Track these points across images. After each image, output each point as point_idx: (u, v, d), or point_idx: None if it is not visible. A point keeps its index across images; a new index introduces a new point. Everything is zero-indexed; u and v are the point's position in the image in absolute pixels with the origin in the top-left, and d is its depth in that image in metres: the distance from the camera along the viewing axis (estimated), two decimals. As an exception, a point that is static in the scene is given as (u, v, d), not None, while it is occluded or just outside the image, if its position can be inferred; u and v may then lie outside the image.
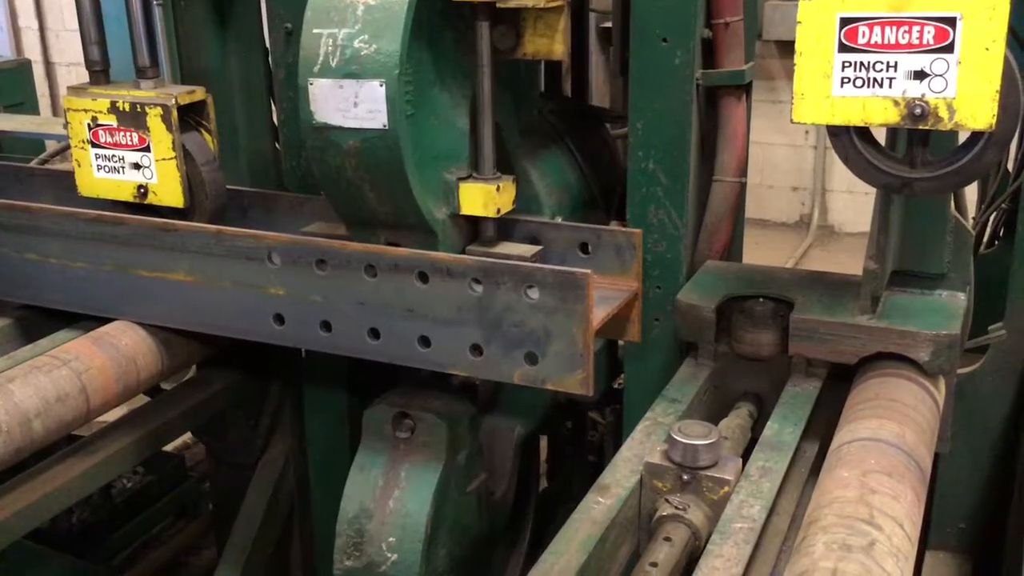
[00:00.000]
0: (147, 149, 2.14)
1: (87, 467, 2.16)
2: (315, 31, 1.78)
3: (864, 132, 1.62)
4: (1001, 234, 2.77)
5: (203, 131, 2.18)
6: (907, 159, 1.62)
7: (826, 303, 1.95)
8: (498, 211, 1.94)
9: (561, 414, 2.73)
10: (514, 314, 1.74)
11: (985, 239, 2.90)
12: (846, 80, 1.56)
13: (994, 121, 1.49)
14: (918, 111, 1.52)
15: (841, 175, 7.84)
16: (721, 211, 2.24)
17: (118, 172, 2.18)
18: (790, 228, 8.01)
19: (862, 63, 1.54)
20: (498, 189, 1.93)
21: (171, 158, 2.12)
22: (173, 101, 2.09)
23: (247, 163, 2.53)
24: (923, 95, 1.52)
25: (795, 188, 8.06)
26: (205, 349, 2.30)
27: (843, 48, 1.55)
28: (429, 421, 2.06)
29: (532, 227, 2.04)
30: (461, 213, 1.94)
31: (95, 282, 2.11)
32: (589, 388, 1.71)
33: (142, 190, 2.17)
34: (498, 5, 1.82)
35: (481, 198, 1.92)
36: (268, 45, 2.39)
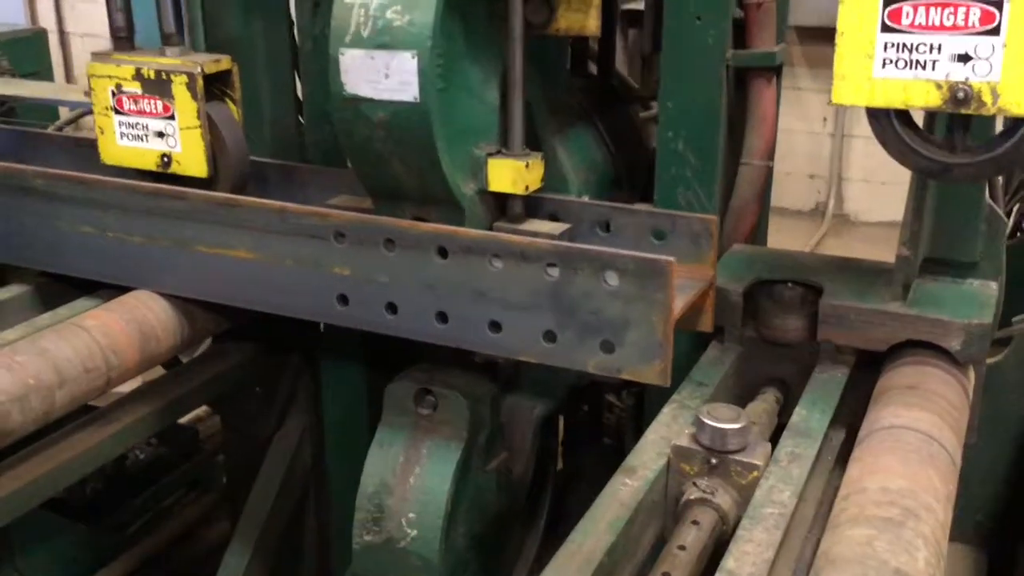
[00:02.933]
0: (171, 117, 2.11)
1: (103, 437, 2.14)
2: (347, 1, 1.76)
3: (904, 115, 1.59)
4: (1024, 225, 2.75)
5: (228, 101, 2.16)
6: (947, 144, 1.59)
7: (855, 289, 1.93)
8: (527, 188, 1.92)
9: (580, 395, 2.71)
10: (591, 301, 1.71)
11: (1008, 229, 2.87)
12: (888, 61, 1.53)
13: (1039, 107, 1.46)
14: (961, 95, 1.49)
15: (858, 164, 7.80)
16: (748, 195, 2.22)
17: (142, 140, 2.16)
18: (805, 216, 7.96)
19: (905, 44, 1.51)
20: (527, 166, 1.90)
21: (195, 127, 2.10)
22: (199, 69, 2.07)
23: (270, 135, 2.51)
24: (967, 79, 1.49)
25: (811, 176, 8.01)
26: (224, 321, 2.28)
27: (886, 29, 1.52)
28: (452, 398, 2.05)
29: (571, 206, 2.01)
30: (489, 189, 1.92)
31: (148, 256, 2.08)
32: (667, 379, 1.68)
33: (165, 159, 2.15)
34: (531, -24, 1.79)
35: (510, 175, 1.90)
36: (294, 16, 2.36)
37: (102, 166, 2.24)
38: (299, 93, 2.44)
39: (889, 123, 1.60)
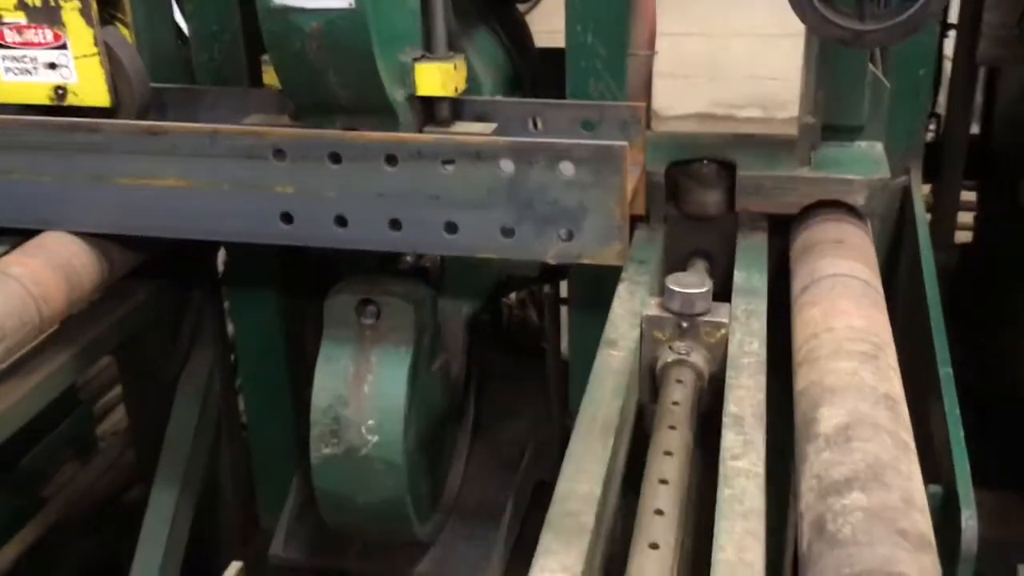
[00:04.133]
0: (63, 47, 2.00)
1: (21, 395, 2.05)
2: (267, -93, 1.71)
3: (824, -12, 1.72)
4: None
5: (120, 24, 2.06)
6: (857, 13, 1.74)
7: (763, 160, 2.09)
8: (456, 90, 1.95)
9: (502, 292, 2.80)
10: (548, 192, 1.77)
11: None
12: (805, -63, 1.65)
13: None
14: (874, -37, 1.63)
15: (664, 59, 8.10)
16: (637, 84, 2.32)
17: (29, 74, 2.03)
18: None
19: (823, -79, 1.64)
20: (455, 68, 1.93)
21: (93, 55, 1.99)
22: (91, -7, 1.96)
23: (149, 59, 2.39)
24: (878, -53, 1.63)
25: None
26: (138, 256, 2.21)
27: (805, -93, 1.63)
28: (396, 305, 2.08)
29: (498, 105, 2.06)
30: (418, 94, 1.94)
31: (63, 195, 1.98)
32: (625, 259, 1.77)
33: (60, 91, 2.04)
34: None
35: (439, 77, 1.92)
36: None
37: (-16, 106, 2.09)
38: (181, 11, 2.34)
39: (806, -3, 1.72)
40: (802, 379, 1.53)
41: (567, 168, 1.78)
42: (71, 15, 1.96)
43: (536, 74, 2.52)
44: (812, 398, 1.46)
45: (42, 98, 2.05)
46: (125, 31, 2.07)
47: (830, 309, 1.67)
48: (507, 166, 1.81)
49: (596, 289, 2.28)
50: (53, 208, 2.02)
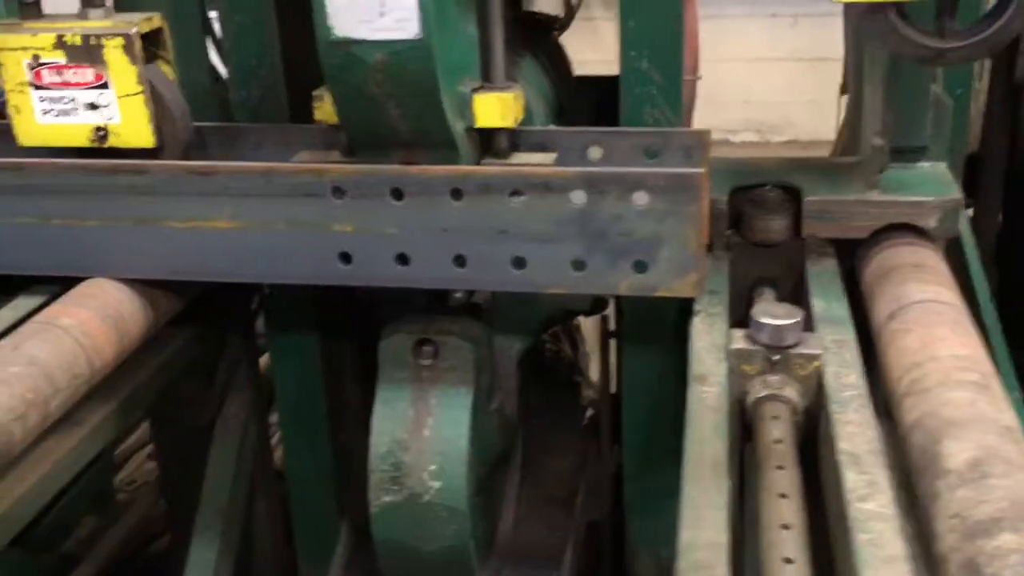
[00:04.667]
0: (105, 86, 1.92)
1: (70, 447, 1.96)
2: (327, -63, 1.65)
3: (901, 8, 1.67)
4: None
5: (161, 61, 1.99)
6: (937, 32, 1.69)
7: (829, 184, 2.03)
8: (515, 120, 1.89)
9: (549, 327, 2.72)
10: (621, 223, 1.71)
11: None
12: (890, -45, 1.60)
13: (1033, -17, 1.58)
14: (961, -19, 1.59)
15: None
16: (685, 108, 2.27)
17: (69, 115, 1.96)
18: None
19: (906, -63, 1.59)
20: (514, 98, 1.87)
21: (137, 93, 1.92)
22: (135, 30, 1.89)
23: (185, 97, 2.33)
24: (964, -35, 1.58)
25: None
26: (180, 301, 2.13)
27: (886, -77, 1.59)
28: (454, 344, 2.01)
29: (556, 135, 1.99)
30: (477, 126, 1.88)
31: (105, 240, 1.90)
32: (703, 290, 1.71)
33: (101, 132, 1.96)
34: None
35: (499, 108, 1.86)
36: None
37: (18, 150, 2.02)
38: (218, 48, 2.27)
39: (886, 19, 1.68)
40: (911, 411, 1.46)
41: (641, 197, 1.72)
42: (114, 53, 1.89)
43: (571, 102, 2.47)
44: (929, 431, 1.39)
45: (82, 140, 1.97)
46: (167, 69, 1.99)
47: (927, 337, 1.60)
48: (578, 197, 1.74)
49: (652, 322, 2.23)
50: (98, 254, 1.95)
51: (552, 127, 2.04)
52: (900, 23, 1.67)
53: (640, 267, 1.76)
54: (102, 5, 1.95)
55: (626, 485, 2.46)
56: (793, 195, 2.02)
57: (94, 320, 1.85)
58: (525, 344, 2.31)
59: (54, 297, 1.94)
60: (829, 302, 1.82)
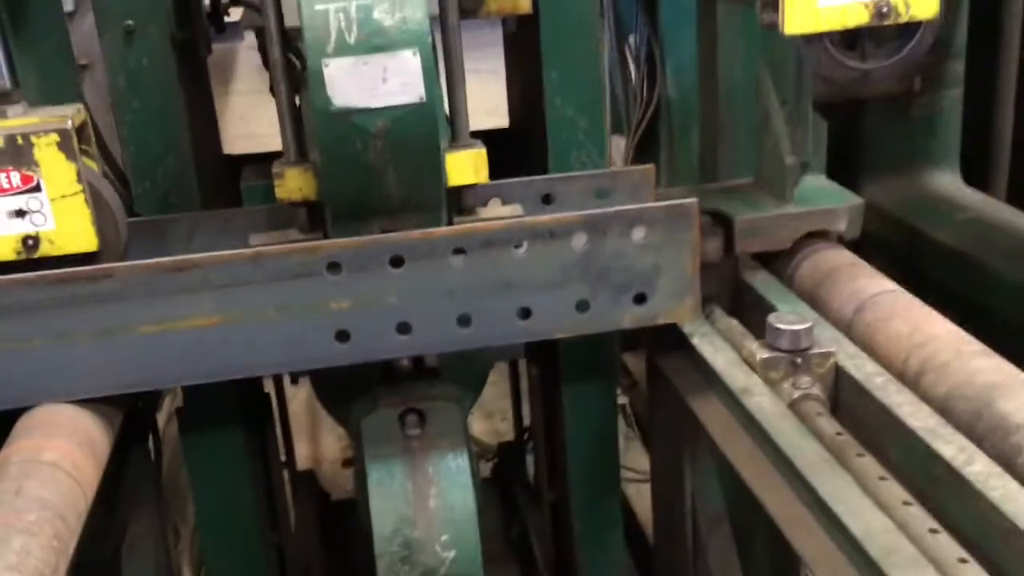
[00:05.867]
0: (36, 189, 1.72)
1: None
2: (318, 7, 1.60)
3: (832, 37, 1.88)
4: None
5: (87, 157, 1.81)
6: (861, 56, 1.92)
7: (747, 204, 2.22)
8: (485, 176, 1.90)
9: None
10: (622, 259, 1.75)
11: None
12: (827, -9, 1.80)
13: (938, 9, 1.84)
14: (884, 10, 1.82)
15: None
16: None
17: (-11, 227, 1.72)
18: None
19: (839, -25, 1.80)
20: (482, 154, 1.89)
21: (75, 193, 1.73)
22: (70, 124, 1.70)
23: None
24: (886, -4, 1.82)
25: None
26: (122, 412, 1.92)
27: (824, -37, 1.79)
28: (442, 409, 1.96)
29: (513, 186, 2.02)
30: (450, 184, 1.87)
31: (58, 361, 1.68)
32: (699, 313, 1.79)
33: (30, 242, 1.74)
34: (463, -37, 1.78)
35: (471, 165, 1.87)
36: (101, 49, 2.01)
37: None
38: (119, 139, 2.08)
39: (823, 46, 1.88)
40: (938, 384, 1.65)
41: (640, 232, 1.80)
42: (47, 151, 1.70)
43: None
44: (971, 398, 1.58)
45: (7, 253, 1.74)
46: (93, 164, 1.81)
47: (912, 320, 1.80)
48: (579, 240, 1.79)
49: (593, 361, 2.31)
50: (48, 378, 1.72)
51: (508, 180, 2.06)
52: (836, 50, 1.88)
53: (640, 299, 1.84)
54: (19, 101, 1.74)
55: (575, 523, 2.50)
56: (720, 219, 2.18)
57: (75, 450, 1.64)
58: (473, 400, 2.29)
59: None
60: (794, 306, 1.99)
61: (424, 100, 1.65)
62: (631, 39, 4.02)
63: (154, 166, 2.05)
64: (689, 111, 3.51)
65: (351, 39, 1.61)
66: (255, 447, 2.35)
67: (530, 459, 3.05)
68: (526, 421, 3.07)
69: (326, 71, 1.61)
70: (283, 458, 2.60)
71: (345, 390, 2.08)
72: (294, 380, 2.62)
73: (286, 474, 2.74)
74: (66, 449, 1.62)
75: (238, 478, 2.31)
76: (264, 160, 2.38)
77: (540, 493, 2.62)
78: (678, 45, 3.77)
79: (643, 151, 3.96)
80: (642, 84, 4.07)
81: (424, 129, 1.67)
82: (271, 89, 2.33)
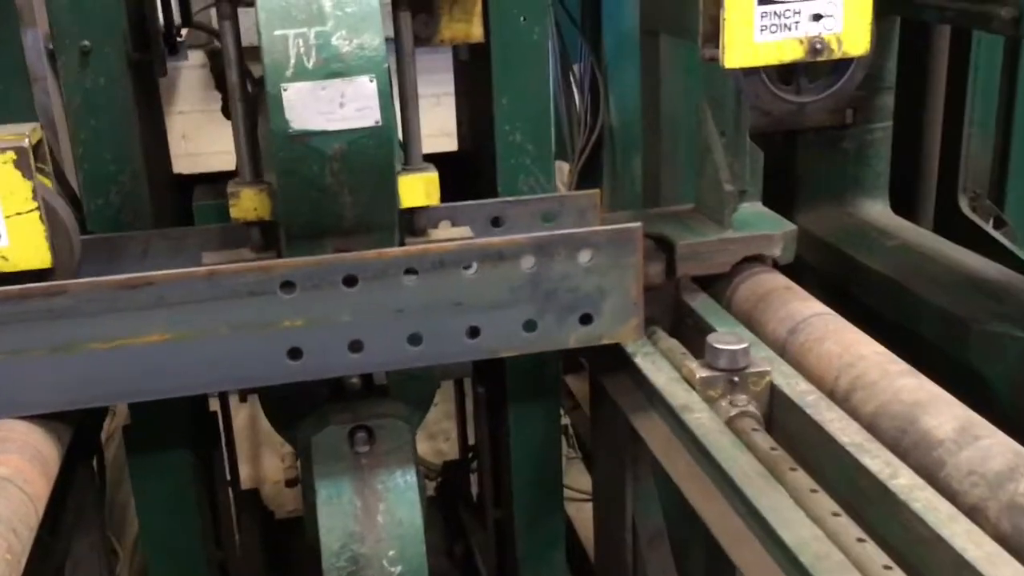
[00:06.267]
0: (-10, 206, 1.73)
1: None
2: (277, 33, 1.64)
3: (771, 71, 1.98)
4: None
5: (42, 175, 1.83)
6: (795, 90, 2.02)
7: (685, 230, 2.30)
8: (437, 199, 1.96)
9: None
10: (568, 280, 1.82)
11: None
12: (764, 28, 1.90)
13: (869, 46, 1.94)
14: (818, 46, 1.92)
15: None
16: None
17: (-60, 244, 1.73)
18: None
19: (776, 12, 1.90)
20: (434, 178, 1.94)
21: (30, 211, 1.75)
22: (27, 142, 1.72)
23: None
24: (820, 33, 1.92)
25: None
26: (71, 429, 1.93)
27: (761, 1, 1.89)
28: (392, 427, 2.01)
29: (464, 209, 2.08)
30: (403, 206, 1.92)
31: (13, 375, 1.68)
32: (642, 333, 1.86)
33: (-17, 259, 1.76)
34: (416, -8, 1.84)
35: (423, 188, 1.92)
36: (55, 69, 2.03)
37: None
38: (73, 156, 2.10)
39: (760, 80, 1.97)
40: (867, 402, 1.74)
41: (586, 255, 1.87)
42: (3, 169, 1.71)
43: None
44: (896, 415, 1.67)
45: (-42, 270, 1.75)
46: (47, 181, 1.83)
47: (843, 342, 1.90)
48: (527, 262, 1.85)
49: (537, 381, 2.37)
50: (1, 394, 1.73)
51: (459, 203, 2.12)
52: (772, 84, 1.97)
53: (586, 320, 1.91)
54: (-27, 117, 1.76)
55: (518, 541, 2.55)
56: (663, 243, 2.26)
57: (26, 466, 1.65)
58: (421, 418, 2.33)
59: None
60: (732, 327, 2.07)
61: (380, 124, 1.70)
62: (576, 68, 4.13)
63: (107, 184, 2.07)
64: (631, 139, 3.62)
65: (310, 64, 1.65)
66: (201, 466, 2.36)
67: (474, 478, 3.10)
68: (470, 440, 3.12)
69: (285, 95, 1.66)
70: (228, 477, 2.60)
71: (294, 408, 2.11)
72: (243, 398, 2.65)
73: (231, 492, 2.74)
74: (18, 464, 1.63)
75: (184, 497, 2.32)
76: (212, 180, 2.43)
77: (484, 511, 2.66)
78: (621, 75, 3.88)
79: (586, 177, 4.05)
80: (586, 112, 4.18)
81: (380, 152, 1.73)
82: (223, 110, 2.38)
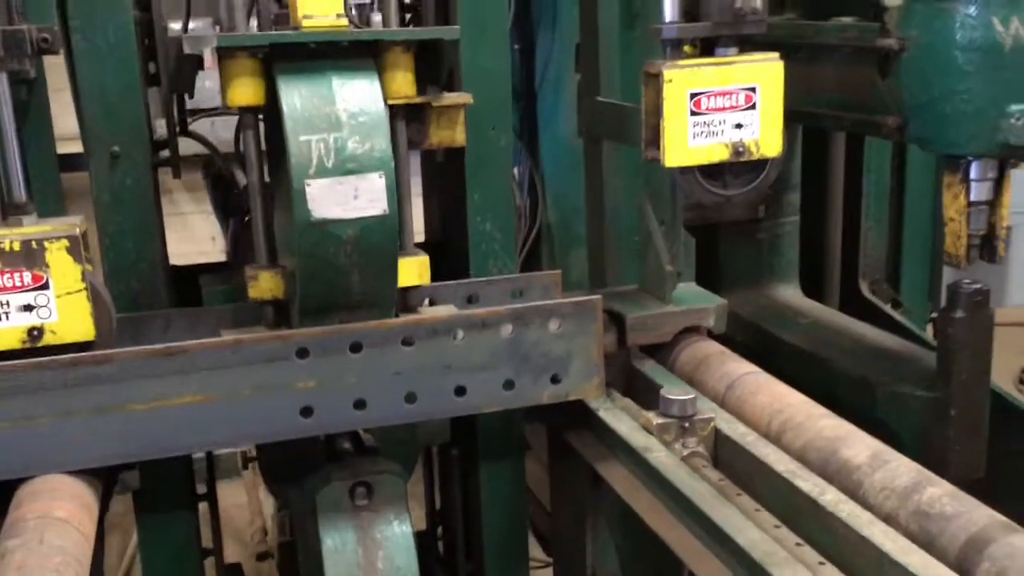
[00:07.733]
0: (43, 287, 1.99)
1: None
2: (302, 138, 1.96)
3: (703, 169, 2.37)
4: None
5: (86, 261, 2.09)
6: (722, 185, 2.41)
7: (635, 305, 2.65)
8: (428, 279, 2.27)
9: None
10: (541, 346, 2.14)
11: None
12: (696, 134, 2.29)
13: (781, 149, 2.35)
14: (741, 149, 2.32)
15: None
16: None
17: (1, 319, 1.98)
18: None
19: (705, 122, 2.29)
20: (425, 261, 2.26)
21: (78, 291, 2.01)
22: (78, 231, 2.00)
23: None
24: (741, 139, 2.32)
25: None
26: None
27: (693, 113, 2.28)
28: (388, 481, 2.27)
29: (445, 289, 2.40)
30: (399, 286, 2.23)
31: (60, 435, 1.92)
32: (603, 390, 2.19)
33: (35, 333, 2.00)
34: (410, 103, 2.18)
35: (416, 269, 2.24)
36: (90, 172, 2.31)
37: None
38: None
39: (694, 177, 2.36)
40: (796, 440, 2.09)
41: (555, 323, 2.20)
42: (57, 255, 1.98)
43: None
44: (820, 448, 2.01)
45: (13, 343, 1.99)
46: (89, 266, 2.09)
47: (772, 393, 2.25)
48: (506, 330, 2.17)
49: (507, 440, 2.67)
50: (51, 451, 1.96)
51: (441, 283, 2.43)
52: (704, 180, 2.36)
53: (556, 379, 2.23)
54: (32, 212, 2.03)
55: (488, 593, 2.80)
56: (614, 317, 2.60)
57: (79, 511, 1.88)
58: (408, 477, 2.60)
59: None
60: (679, 388, 2.41)
61: (388, 213, 2.02)
62: (515, 170, 4.53)
63: (129, 272, 2.34)
64: (570, 233, 4.00)
65: (329, 164, 1.97)
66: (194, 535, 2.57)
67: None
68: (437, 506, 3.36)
69: (308, 190, 1.97)
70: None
71: (291, 468, 2.37)
72: (244, 465, 2.87)
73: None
74: (71, 509, 1.86)
75: (189, 557, 2.52)
76: (201, 272, 2.70)
77: (456, 570, 2.91)
78: (557, 176, 4.29)
79: (528, 269, 4.41)
80: (525, 209, 4.56)
81: (386, 237, 2.04)
82: (214, 208, 2.68)
